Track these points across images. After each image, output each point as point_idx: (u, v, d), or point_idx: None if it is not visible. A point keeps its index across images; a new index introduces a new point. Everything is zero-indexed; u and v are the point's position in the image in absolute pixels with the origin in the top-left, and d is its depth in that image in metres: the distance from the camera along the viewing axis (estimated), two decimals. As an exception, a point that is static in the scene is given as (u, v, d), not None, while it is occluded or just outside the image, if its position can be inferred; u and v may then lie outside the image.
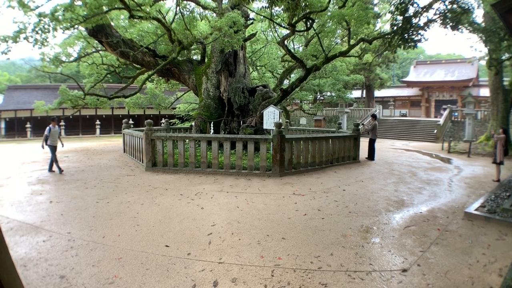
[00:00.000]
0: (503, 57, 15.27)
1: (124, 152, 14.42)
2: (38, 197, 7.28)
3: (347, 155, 12.37)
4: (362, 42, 14.12)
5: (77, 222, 5.66)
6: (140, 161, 11.29)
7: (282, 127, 9.57)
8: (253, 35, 16.13)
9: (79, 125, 29.94)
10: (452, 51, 62.52)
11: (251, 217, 6.03)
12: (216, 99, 14.09)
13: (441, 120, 26.05)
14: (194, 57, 17.72)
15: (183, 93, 23.05)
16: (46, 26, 10.46)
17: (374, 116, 14.22)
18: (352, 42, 13.20)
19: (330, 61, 14.12)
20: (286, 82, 20.57)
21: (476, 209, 6.50)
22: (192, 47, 15.94)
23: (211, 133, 13.07)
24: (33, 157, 13.52)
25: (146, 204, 6.79)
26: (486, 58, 16.80)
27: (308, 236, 5.16)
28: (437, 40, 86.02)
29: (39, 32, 10.42)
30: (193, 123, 15.18)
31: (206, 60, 15.02)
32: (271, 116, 11.19)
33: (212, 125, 13.31)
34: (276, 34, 18.71)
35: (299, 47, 23.05)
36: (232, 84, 13.83)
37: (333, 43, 15.88)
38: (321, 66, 13.25)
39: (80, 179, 9.20)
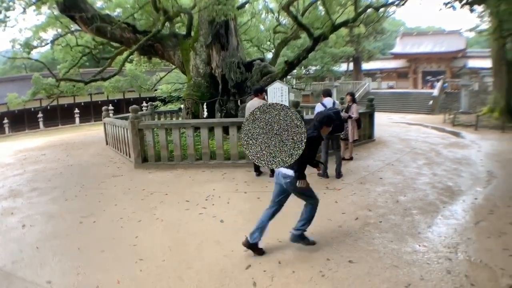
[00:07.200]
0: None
1: (107, 144, 12.58)
2: (9, 218, 5.55)
3: (362, 133, 11.08)
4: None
5: (58, 260, 4.04)
6: (126, 155, 9.58)
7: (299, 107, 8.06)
8: (247, 2, 14.27)
9: (57, 116, 27.53)
10: (431, 24, 62.21)
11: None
12: (207, 76, 12.31)
13: (435, 92, 26.15)
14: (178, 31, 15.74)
15: (165, 73, 20.93)
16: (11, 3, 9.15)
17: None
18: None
19: (336, 30, 12.55)
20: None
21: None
22: (176, 19, 14.01)
23: (204, 115, 11.42)
24: (6, 159, 11.50)
25: (145, 220, 5.17)
26: (478, 29, 17.98)
27: (379, 252, 3.90)
28: (416, 13, 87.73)
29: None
30: (182, 106, 13.47)
31: (192, 33, 13.13)
32: (277, 94, 9.63)
33: (205, 106, 11.64)
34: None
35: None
36: (225, 59, 12.05)
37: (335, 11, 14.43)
38: (328, 35, 11.74)
39: (58, 186, 7.38)
